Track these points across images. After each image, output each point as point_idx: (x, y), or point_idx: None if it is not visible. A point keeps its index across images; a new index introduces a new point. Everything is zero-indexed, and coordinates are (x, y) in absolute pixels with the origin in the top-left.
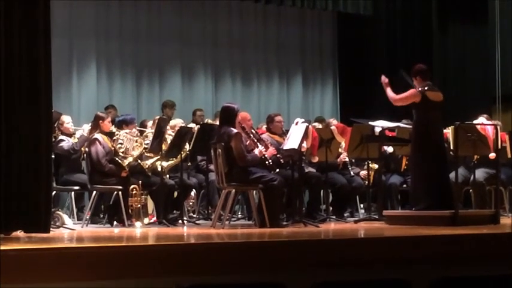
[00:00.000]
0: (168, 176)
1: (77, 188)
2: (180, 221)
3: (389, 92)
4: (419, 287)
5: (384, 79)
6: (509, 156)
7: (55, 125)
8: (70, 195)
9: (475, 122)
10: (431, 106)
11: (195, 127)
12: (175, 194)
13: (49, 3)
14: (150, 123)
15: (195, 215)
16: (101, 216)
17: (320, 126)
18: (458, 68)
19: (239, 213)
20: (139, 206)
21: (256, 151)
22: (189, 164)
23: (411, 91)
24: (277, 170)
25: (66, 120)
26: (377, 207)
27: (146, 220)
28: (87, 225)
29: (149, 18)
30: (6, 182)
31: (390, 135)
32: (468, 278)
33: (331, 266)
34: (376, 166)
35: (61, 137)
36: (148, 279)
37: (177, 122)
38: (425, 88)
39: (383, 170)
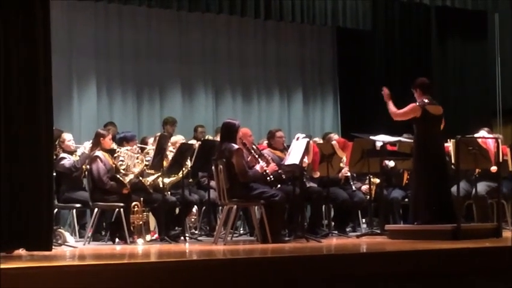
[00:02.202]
0: (169, 192)
1: (78, 205)
2: (182, 238)
3: (391, 107)
4: None
5: (386, 91)
6: (510, 169)
7: (56, 143)
8: (72, 213)
9: (476, 135)
10: (432, 120)
11: (196, 143)
12: (177, 210)
13: (49, 21)
14: (151, 140)
15: (196, 232)
16: (103, 233)
17: (321, 141)
18: (458, 81)
19: (241, 229)
20: (141, 223)
21: (258, 167)
22: (191, 180)
23: (411, 106)
24: (279, 186)
25: (67, 137)
26: (379, 222)
27: (148, 237)
28: (89, 243)
29: (149, 35)
30: (7, 200)
31: (391, 149)
32: None
33: (333, 281)
34: (377, 180)
35: (62, 154)
36: None
37: (178, 139)
38: (426, 102)
39: (384, 184)
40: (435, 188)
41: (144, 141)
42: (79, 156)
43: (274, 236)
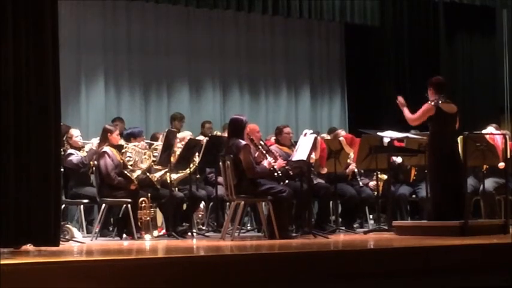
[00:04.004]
0: (177, 188)
1: (86, 201)
2: (189, 234)
3: (407, 113)
4: None
5: (401, 99)
6: None
7: (64, 139)
8: (79, 209)
9: (483, 131)
10: (446, 118)
11: (203, 139)
12: (185, 206)
13: (57, 17)
14: (161, 136)
15: (204, 227)
16: (110, 229)
17: (329, 137)
18: (466, 77)
19: (248, 225)
20: (148, 218)
21: (265, 163)
22: (198, 176)
23: (425, 106)
24: (286, 182)
25: (75, 133)
26: (386, 218)
27: (155, 233)
28: (96, 239)
29: (157, 31)
30: (15, 196)
31: (399, 145)
32: None
33: (340, 278)
34: (385, 177)
35: (70, 150)
36: None
37: (185, 135)
38: (439, 100)
39: (392, 180)
40: (457, 184)
41: (155, 137)
42: (87, 152)
43: (282, 232)
